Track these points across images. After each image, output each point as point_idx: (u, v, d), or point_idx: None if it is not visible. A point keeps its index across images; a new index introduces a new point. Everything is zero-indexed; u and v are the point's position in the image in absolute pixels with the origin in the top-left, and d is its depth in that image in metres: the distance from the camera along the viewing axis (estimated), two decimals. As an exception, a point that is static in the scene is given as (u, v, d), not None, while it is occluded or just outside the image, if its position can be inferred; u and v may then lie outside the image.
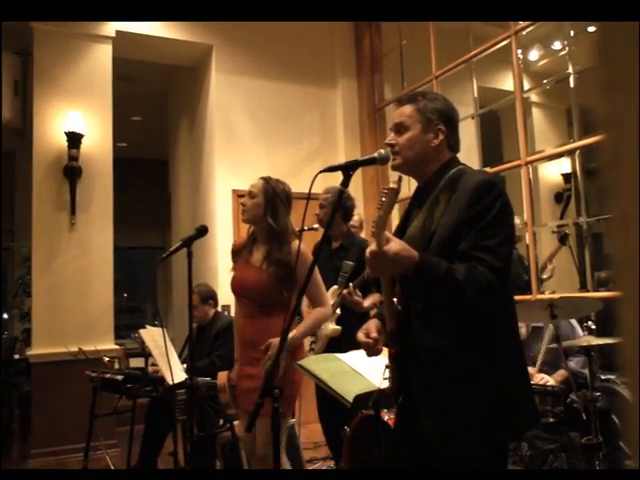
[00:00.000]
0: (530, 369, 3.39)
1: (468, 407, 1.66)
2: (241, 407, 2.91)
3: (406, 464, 1.86)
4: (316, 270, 2.75)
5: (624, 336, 0.54)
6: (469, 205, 1.69)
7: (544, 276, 5.18)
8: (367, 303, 3.65)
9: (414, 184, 1.98)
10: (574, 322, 3.55)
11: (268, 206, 2.84)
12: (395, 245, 1.60)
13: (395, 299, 1.80)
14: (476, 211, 1.68)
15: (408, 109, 1.87)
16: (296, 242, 2.82)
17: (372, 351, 1.87)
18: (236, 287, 2.92)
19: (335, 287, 3.69)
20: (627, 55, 0.54)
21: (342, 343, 3.31)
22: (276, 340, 2.68)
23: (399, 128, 1.87)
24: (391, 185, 1.62)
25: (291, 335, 2.68)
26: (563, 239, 5.51)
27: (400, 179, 1.68)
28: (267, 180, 2.92)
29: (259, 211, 2.85)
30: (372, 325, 1.89)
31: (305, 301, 3.84)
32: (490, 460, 1.72)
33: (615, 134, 0.55)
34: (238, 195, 5.66)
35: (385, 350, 1.88)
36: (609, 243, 0.56)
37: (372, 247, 1.61)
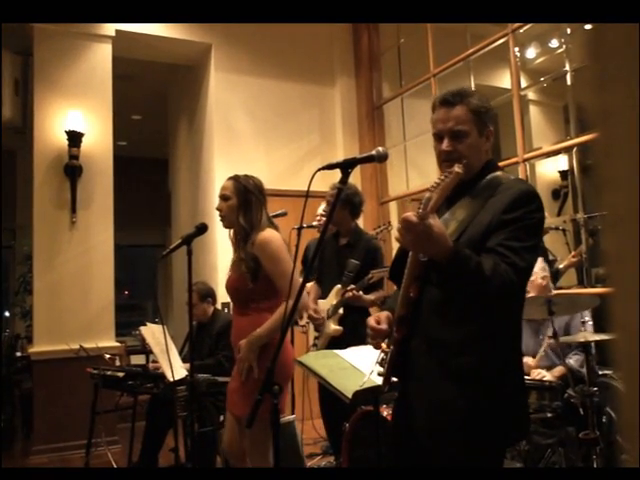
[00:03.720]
0: (529, 360, 3.41)
1: (461, 407, 1.66)
2: (227, 405, 2.93)
3: (404, 460, 1.85)
4: (290, 263, 2.70)
5: (618, 331, 0.55)
6: (507, 210, 1.68)
7: (560, 266, 5.19)
8: (372, 297, 3.68)
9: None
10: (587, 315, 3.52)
11: (241, 207, 2.81)
12: (438, 224, 1.58)
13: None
14: (512, 217, 1.67)
15: (461, 112, 1.79)
16: (265, 232, 2.78)
17: (376, 339, 1.86)
18: (226, 288, 2.95)
19: (338, 286, 3.68)
20: (619, 53, 0.54)
21: (344, 342, 3.34)
22: (244, 342, 2.71)
23: (457, 134, 1.78)
24: (456, 168, 1.58)
25: (257, 332, 2.69)
26: (593, 233, 5.31)
27: (465, 165, 1.64)
28: (236, 179, 2.88)
29: (235, 213, 2.82)
30: (384, 315, 1.87)
31: (314, 291, 3.86)
32: (477, 462, 1.70)
33: (607, 130, 0.56)
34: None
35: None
36: (604, 239, 0.57)
37: (411, 215, 1.56)
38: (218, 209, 2.88)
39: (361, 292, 3.60)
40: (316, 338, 3.82)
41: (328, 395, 3.43)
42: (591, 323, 3.51)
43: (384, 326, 1.84)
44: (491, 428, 1.68)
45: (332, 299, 3.72)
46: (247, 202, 2.81)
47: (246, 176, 2.91)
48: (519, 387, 1.79)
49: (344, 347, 2.83)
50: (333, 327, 3.67)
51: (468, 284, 1.64)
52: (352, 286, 3.56)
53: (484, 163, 1.83)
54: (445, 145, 1.79)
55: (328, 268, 3.82)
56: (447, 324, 1.71)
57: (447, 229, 1.72)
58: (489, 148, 1.86)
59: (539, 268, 3.58)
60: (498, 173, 1.83)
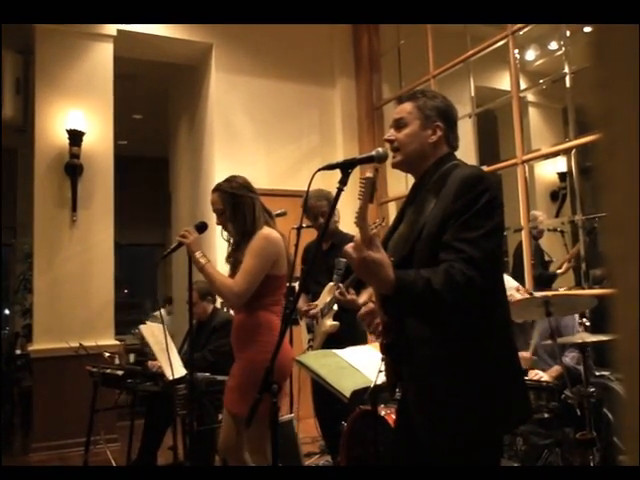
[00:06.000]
0: (525, 353, 3.42)
1: (454, 399, 1.66)
2: (224, 403, 2.92)
3: (405, 460, 1.86)
4: (262, 268, 2.71)
5: (619, 332, 0.55)
6: (456, 197, 1.68)
7: (558, 271, 5.22)
8: (362, 299, 3.68)
9: (412, 179, 1.99)
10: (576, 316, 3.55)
11: (231, 215, 2.79)
12: (377, 256, 1.56)
13: None
14: (462, 203, 1.67)
15: (408, 106, 1.89)
16: (263, 230, 2.76)
17: (371, 323, 1.90)
18: None
19: (331, 284, 3.73)
20: (622, 54, 0.54)
21: (341, 340, 3.36)
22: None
23: (398, 124, 1.89)
24: (367, 174, 1.60)
25: (207, 264, 2.77)
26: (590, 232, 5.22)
27: (377, 169, 1.66)
28: (219, 189, 2.84)
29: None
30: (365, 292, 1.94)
31: (302, 298, 3.89)
32: (479, 453, 1.70)
33: (609, 131, 0.56)
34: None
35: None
36: (604, 240, 0.56)
37: (356, 238, 1.58)
38: (219, 224, 2.87)
39: (353, 293, 3.59)
40: (311, 340, 3.85)
41: (322, 395, 3.47)
42: (580, 322, 3.54)
43: (371, 305, 1.89)
44: (485, 415, 1.68)
45: (325, 297, 3.75)
46: (236, 207, 2.78)
47: (228, 180, 2.87)
48: (510, 374, 1.77)
49: (341, 344, 2.85)
50: (329, 323, 3.70)
51: (421, 305, 1.63)
52: (340, 285, 3.57)
53: (438, 157, 1.86)
54: (387, 134, 1.91)
55: (315, 272, 3.85)
56: (421, 321, 1.73)
57: (408, 228, 1.79)
58: (441, 143, 1.87)
59: (508, 287, 3.59)
60: (453, 163, 1.85)
